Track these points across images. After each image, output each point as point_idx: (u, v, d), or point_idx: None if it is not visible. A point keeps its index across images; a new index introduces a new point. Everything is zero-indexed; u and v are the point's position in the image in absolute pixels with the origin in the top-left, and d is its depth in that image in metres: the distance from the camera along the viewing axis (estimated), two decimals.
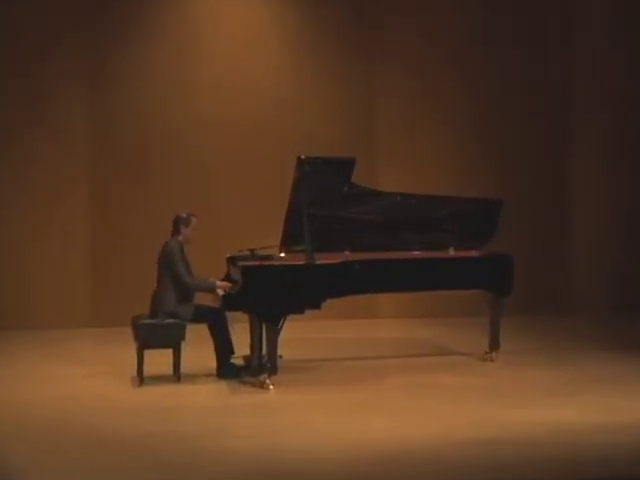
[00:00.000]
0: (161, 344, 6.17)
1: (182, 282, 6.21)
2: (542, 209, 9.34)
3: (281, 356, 6.39)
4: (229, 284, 6.30)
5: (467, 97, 9.16)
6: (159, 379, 6.25)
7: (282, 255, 6.61)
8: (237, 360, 6.48)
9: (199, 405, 5.75)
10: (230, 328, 6.37)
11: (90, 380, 6.41)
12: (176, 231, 6.35)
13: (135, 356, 6.22)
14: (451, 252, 6.92)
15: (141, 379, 6.19)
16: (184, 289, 6.24)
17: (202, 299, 6.45)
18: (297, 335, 7.46)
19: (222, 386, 6.17)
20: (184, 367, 6.24)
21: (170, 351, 6.20)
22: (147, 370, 6.21)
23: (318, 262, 6.16)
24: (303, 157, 6.27)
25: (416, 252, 6.88)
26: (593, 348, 7.30)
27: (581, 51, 9.29)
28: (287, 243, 6.55)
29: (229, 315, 6.34)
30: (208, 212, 8.74)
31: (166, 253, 6.30)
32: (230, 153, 8.96)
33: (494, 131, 9.22)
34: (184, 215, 6.38)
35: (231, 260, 6.65)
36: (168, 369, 6.25)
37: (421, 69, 9.10)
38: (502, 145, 9.24)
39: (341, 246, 6.74)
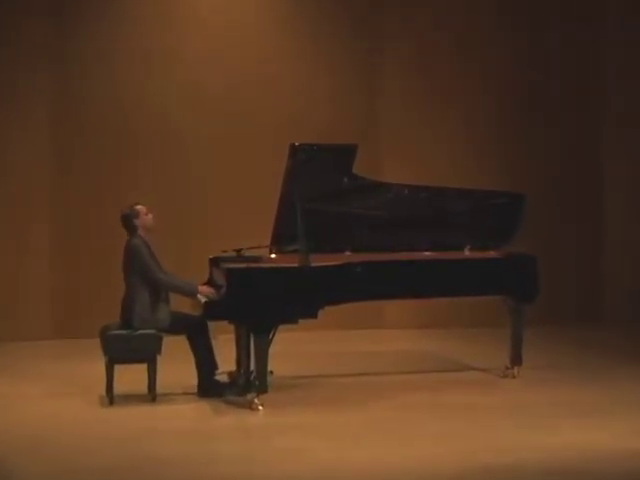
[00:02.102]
0: (134, 358, 6.16)
1: (153, 279, 6.18)
2: (572, 205, 9.42)
3: (272, 372, 6.37)
4: (212, 290, 6.27)
5: (477, 81, 9.29)
6: (131, 399, 6.24)
7: (273, 256, 6.66)
8: (221, 377, 6.46)
9: (177, 429, 5.70)
10: (213, 340, 6.38)
11: (51, 401, 6.37)
12: (131, 229, 6.34)
13: (104, 372, 6.20)
14: (466, 253, 6.96)
15: (111, 399, 6.17)
16: (158, 290, 6.21)
17: (181, 306, 6.43)
18: (290, 348, 7.49)
19: (204, 407, 6.16)
20: (160, 385, 6.23)
21: (144, 366, 6.19)
22: (118, 388, 6.19)
23: (314, 264, 6.15)
24: (297, 144, 6.28)
25: (426, 253, 6.91)
26: (627, 364, 7.34)
27: (612, 36, 9.38)
28: (279, 243, 6.58)
29: (212, 325, 6.34)
30: (188, 207, 8.78)
31: (130, 252, 6.28)
32: (215, 140, 9.02)
33: (509, 117, 9.33)
34: (127, 211, 6.36)
35: (214, 262, 6.67)
36: (142, 387, 6.23)
37: (427, 52, 9.22)
38: (519, 131, 9.34)
39: (341, 246, 6.77)
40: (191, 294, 6.24)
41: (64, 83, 8.80)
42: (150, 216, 6.38)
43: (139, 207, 6.37)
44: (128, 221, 6.34)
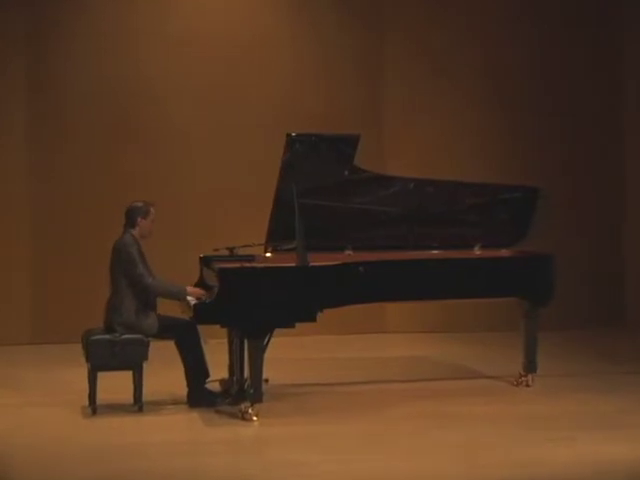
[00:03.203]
0: (118, 365, 6.15)
1: (143, 285, 6.17)
2: (590, 201, 9.44)
3: (267, 380, 6.36)
4: (202, 291, 6.26)
5: (488, 67, 9.31)
6: (116, 409, 6.23)
7: (268, 255, 6.66)
8: (212, 385, 6.46)
9: (165, 442, 5.67)
10: (204, 345, 6.36)
11: (30, 411, 6.36)
12: (131, 224, 6.31)
13: (86, 380, 6.19)
14: (477, 251, 6.96)
15: (93, 409, 6.16)
16: (145, 295, 6.20)
17: (169, 309, 6.41)
18: (287, 354, 7.52)
19: (194, 417, 6.14)
20: (147, 394, 6.22)
21: (129, 374, 6.17)
22: (101, 397, 6.18)
23: (312, 264, 6.14)
24: (294, 134, 6.27)
25: (433, 252, 6.92)
26: None
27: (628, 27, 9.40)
28: (274, 240, 6.59)
29: (202, 329, 6.31)
30: (176, 203, 8.79)
31: (120, 252, 6.26)
32: (206, 130, 9.02)
33: (517, 106, 9.35)
34: (140, 204, 6.35)
35: (205, 261, 6.66)
36: (127, 396, 6.22)
37: (433, 36, 9.26)
38: (529, 121, 9.35)
39: (341, 244, 6.78)
40: (180, 296, 6.24)
41: (43, 73, 8.81)
42: (153, 226, 6.36)
43: (152, 209, 6.34)
44: (133, 215, 6.30)
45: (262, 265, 6.34)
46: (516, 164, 9.08)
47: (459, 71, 9.27)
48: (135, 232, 6.31)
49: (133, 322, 6.18)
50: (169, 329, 6.26)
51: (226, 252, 6.56)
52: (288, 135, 6.26)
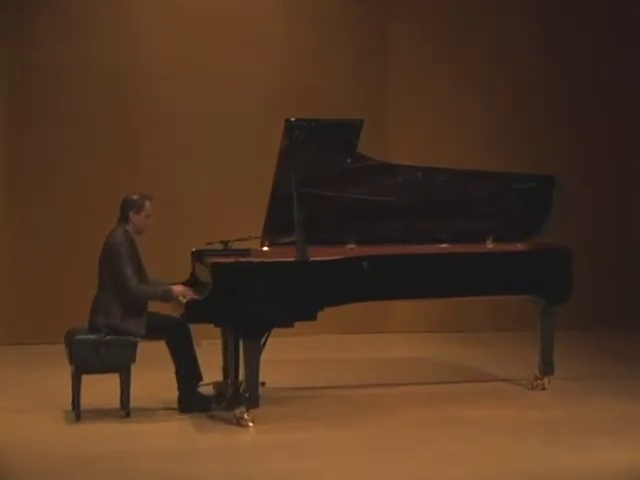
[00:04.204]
0: (105, 367, 6.14)
1: (126, 288, 6.15)
2: (610, 192, 9.44)
3: (264, 383, 6.40)
4: (190, 291, 6.22)
5: (495, 50, 9.34)
6: (102, 414, 6.22)
7: (265, 249, 6.66)
8: (206, 389, 6.45)
9: (155, 449, 5.67)
10: (196, 346, 6.36)
11: (9, 417, 6.34)
12: (124, 219, 6.30)
13: (70, 383, 6.19)
14: (489, 245, 6.96)
15: (77, 414, 6.15)
16: (131, 297, 6.17)
17: (159, 306, 6.39)
18: (285, 355, 7.51)
19: (186, 423, 6.14)
20: (135, 398, 6.20)
21: (116, 377, 6.16)
22: (86, 402, 6.17)
23: (313, 258, 6.14)
24: (293, 119, 6.27)
25: (442, 245, 6.91)
26: None
27: None
28: (272, 233, 6.58)
29: (195, 329, 6.30)
30: (167, 194, 8.78)
31: (109, 249, 6.24)
32: (199, 115, 8.98)
33: (527, 95, 9.37)
34: (135, 197, 6.33)
35: (197, 256, 6.64)
36: (114, 401, 6.21)
37: (443, 20, 9.28)
38: (540, 110, 9.37)
39: (343, 237, 6.78)
40: (165, 298, 6.21)
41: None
42: (149, 221, 6.34)
43: (147, 203, 6.32)
44: (125, 209, 6.29)
45: (258, 260, 6.32)
46: (526, 151, 9.09)
47: (466, 55, 9.29)
48: (129, 227, 6.30)
49: (118, 325, 6.17)
50: (160, 329, 6.25)
51: (220, 246, 6.54)
52: (287, 120, 6.25)
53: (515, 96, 9.32)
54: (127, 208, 6.30)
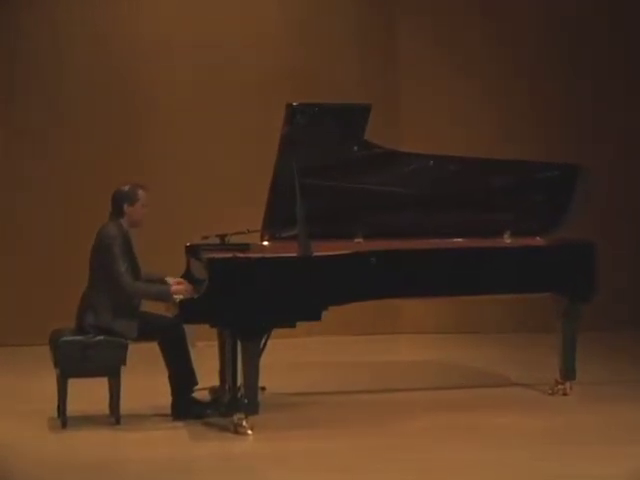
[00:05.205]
0: (93, 371, 6.14)
1: (120, 284, 6.14)
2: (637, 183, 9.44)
3: (264, 388, 6.40)
4: (190, 288, 6.21)
5: (504, 36, 9.41)
6: (90, 421, 6.23)
7: (265, 244, 6.67)
8: (201, 394, 6.46)
9: (147, 458, 5.66)
10: (191, 348, 6.36)
11: None
12: (117, 212, 6.29)
13: (55, 388, 6.20)
14: (507, 240, 6.95)
15: (64, 421, 6.15)
16: (124, 296, 6.17)
17: (151, 306, 6.39)
18: (286, 358, 7.51)
19: (180, 431, 6.14)
20: (125, 404, 6.20)
21: (105, 381, 6.17)
22: (72, 408, 6.15)
23: (316, 254, 6.13)
24: (295, 104, 6.27)
25: (456, 240, 6.91)
26: None
27: None
28: (272, 227, 6.60)
29: (190, 329, 6.31)
30: (160, 184, 8.79)
31: (101, 243, 6.24)
32: (193, 97, 9.04)
33: (542, 83, 9.42)
34: (126, 188, 6.33)
35: (192, 251, 6.65)
36: (103, 407, 6.22)
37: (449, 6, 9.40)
38: (561, 90, 9.42)
39: (349, 231, 6.78)
40: (162, 297, 6.20)
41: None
42: (145, 211, 6.34)
43: (141, 193, 6.31)
44: (118, 202, 6.29)
45: (258, 255, 6.32)
46: (542, 142, 9.09)
47: (477, 41, 9.37)
48: (123, 221, 6.29)
49: (108, 325, 6.17)
50: (152, 330, 6.24)
51: (217, 240, 6.57)
52: (288, 105, 6.25)
53: (530, 84, 9.37)
54: (120, 201, 6.29)
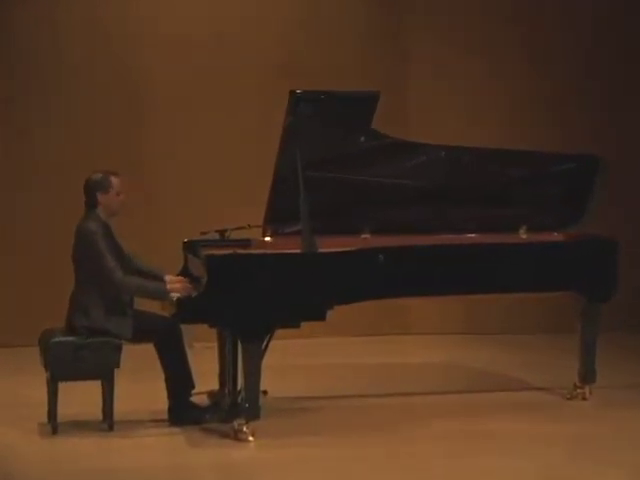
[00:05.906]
0: (85, 374, 6.14)
1: (112, 281, 6.11)
2: None
3: (265, 392, 6.43)
4: (189, 284, 6.21)
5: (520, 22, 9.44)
6: (82, 427, 6.23)
7: (267, 239, 6.65)
8: (199, 398, 6.46)
9: (142, 466, 5.66)
10: (188, 350, 6.36)
11: None
12: (91, 203, 6.27)
13: (45, 392, 6.19)
14: (522, 235, 6.96)
15: (54, 427, 6.15)
16: (117, 293, 6.14)
17: (147, 304, 6.38)
18: (289, 360, 7.50)
19: (177, 437, 6.14)
20: (119, 409, 6.19)
21: (98, 384, 6.18)
22: (63, 413, 6.15)
23: (321, 250, 6.13)
24: (299, 92, 6.26)
25: (469, 235, 6.92)
26: None
27: None
28: (275, 221, 6.59)
29: (187, 330, 6.30)
30: (158, 177, 8.80)
31: (82, 240, 6.21)
32: (193, 97, 9.06)
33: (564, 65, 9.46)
34: (98, 177, 6.29)
35: (190, 247, 6.65)
36: (95, 411, 6.22)
37: None
38: (576, 80, 9.44)
39: (356, 226, 6.78)
40: (159, 295, 6.18)
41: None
42: (122, 197, 6.31)
43: (113, 179, 6.28)
44: (90, 191, 6.26)
45: (260, 251, 6.35)
46: (559, 134, 9.09)
47: (492, 29, 9.39)
48: (99, 211, 6.26)
49: (101, 324, 6.15)
50: (147, 330, 6.24)
51: (216, 236, 6.57)
52: (292, 93, 6.23)
53: (545, 69, 9.38)
54: (92, 190, 6.25)
